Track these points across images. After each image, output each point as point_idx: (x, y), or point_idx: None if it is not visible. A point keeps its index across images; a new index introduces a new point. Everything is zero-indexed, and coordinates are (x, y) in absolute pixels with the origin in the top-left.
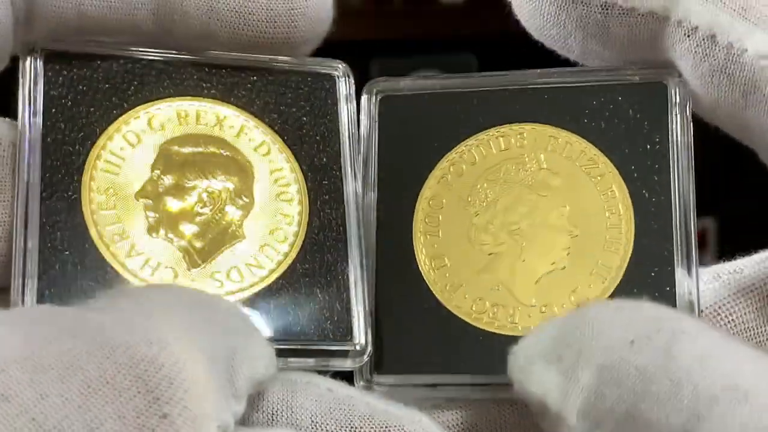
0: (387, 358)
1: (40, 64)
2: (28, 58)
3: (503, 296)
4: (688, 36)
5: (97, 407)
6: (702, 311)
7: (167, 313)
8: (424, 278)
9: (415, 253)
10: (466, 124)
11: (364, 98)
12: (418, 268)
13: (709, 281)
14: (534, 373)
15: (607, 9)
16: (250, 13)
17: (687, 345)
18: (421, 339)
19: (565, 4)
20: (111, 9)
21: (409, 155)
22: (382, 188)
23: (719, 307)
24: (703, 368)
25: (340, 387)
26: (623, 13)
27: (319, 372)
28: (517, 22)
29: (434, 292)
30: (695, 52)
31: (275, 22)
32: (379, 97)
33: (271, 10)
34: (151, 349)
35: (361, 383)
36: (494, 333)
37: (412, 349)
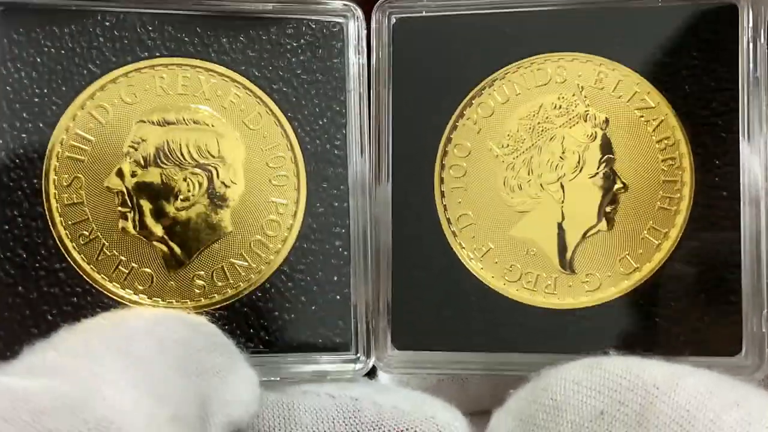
0: (408, 334)
1: None
2: None
3: (539, 262)
4: None
5: None
6: None
7: (120, 359)
8: (448, 240)
9: (437, 208)
10: (496, 54)
11: (374, 21)
12: (441, 227)
13: None
14: None
15: None
16: None
17: (662, 406)
18: (447, 310)
19: None
20: None
21: (428, 92)
22: (397, 131)
23: None
24: (682, 431)
25: (343, 390)
26: None
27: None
28: None
29: (460, 257)
30: None
31: None
32: (393, 21)
33: None
34: (90, 401)
35: (380, 364)
36: (529, 306)
37: (437, 323)
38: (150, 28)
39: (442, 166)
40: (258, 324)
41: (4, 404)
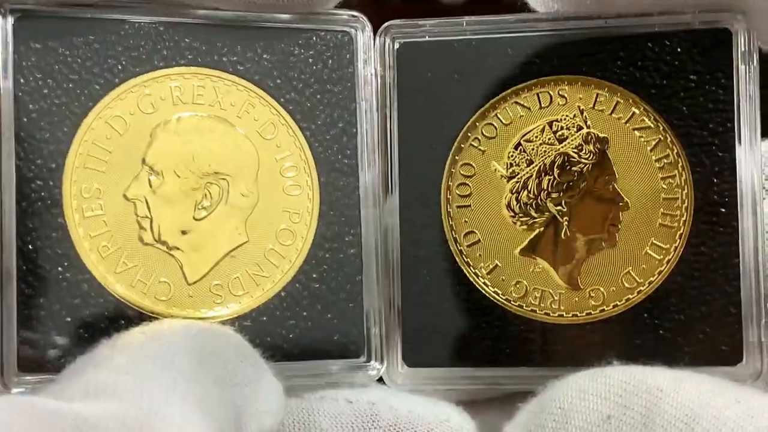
0: (417, 350)
1: (9, 26)
2: None
3: (545, 279)
4: None
5: None
6: None
7: (166, 373)
8: (454, 257)
9: (444, 227)
10: (499, 77)
11: (378, 44)
12: (448, 245)
13: None
14: None
15: None
16: None
17: (666, 406)
18: (454, 327)
19: None
20: None
21: (433, 113)
22: (403, 152)
23: None
24: (687, 428)
25: (360, 394)
26: None
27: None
28: None
29: (467, 274)
30: None
31: None
32: (397, 44)
33: None
34: (152, 422)
35: (391, 378)
36: (536, 321)
37: (445, 340)
38: (166, 38)
39: (448, 187)
40: (275, 332)
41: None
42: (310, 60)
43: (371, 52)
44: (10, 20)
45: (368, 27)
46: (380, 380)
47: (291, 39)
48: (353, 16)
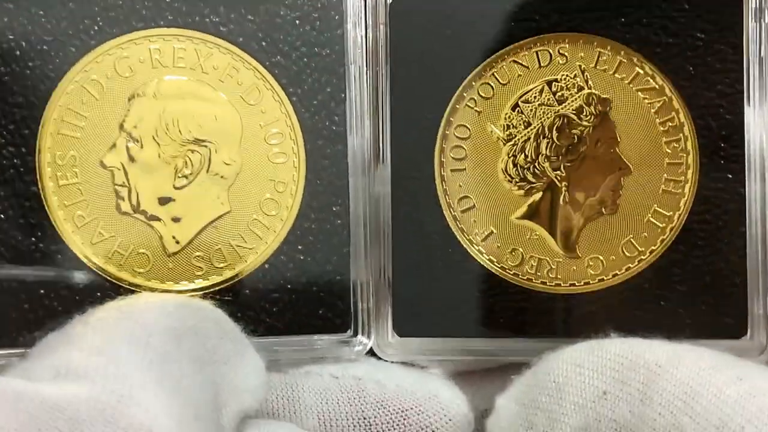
0: (409, 320)
1: None
2: None
3: (542, 246)
4: None
5: None
6: None
7: (141, 353)
8: (448, 224)
9: (437, 192)
10: (496, 33)
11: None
12: (441, 211)
13: None
14: None
15: None
16: None
17: (664, 383)
18: (447, 296)
19: None
20: None
21: (427, 73)
22: (396, 113)
23: None
24: (686, 407)
25: (346, 369)
26: None
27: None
28: None
29: (461, 241)
30: None
31: None
32: (389, 0)
33: None
34: (124, 408)
35: (380, 350)
36: (532, 290)
37: (437, 309)
38: None
39: (442, 149)
40: (258, 306)
41: (42, 415)
42: (297, 22)
43: (361, 14)
44: None
45: None
46: (372, 353)
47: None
48: None
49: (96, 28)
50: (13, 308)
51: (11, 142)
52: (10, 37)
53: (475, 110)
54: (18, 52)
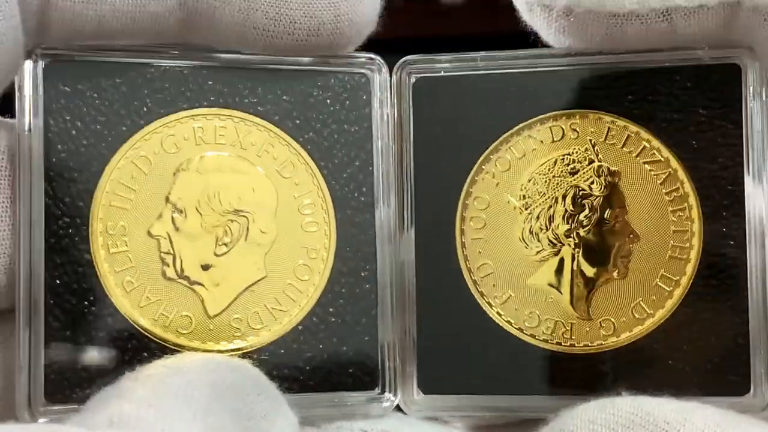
0: (433, 378)
1: (39, 70)
2: (27, 63)
3: (557, 309)
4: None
5: None
6: None
7: (186, 406)
8: (469, 288)
9: (458, 258)
10: (513, 111)
11: (394, 80)
12: (462, 275)
13: None
14: None
15: (669, 14)
16: (291, 22)
17: None
18: (469, 356)
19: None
20: (134, 21)
21: (448, 147)
22: (419, 184)
23: None
24: None
25: (374, 424)
26: (689, 13)
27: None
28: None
29: (481, 305)
30: None
31: (319, 30)
32: (413, 79)
33: (314, 17)
34: None
35: (407, 406)
36: (548, 350)
37: (460, 368)
38: (191, 81)
39: (463, 218)
40: (293, 365)
41: None
42: (328, 101)
43: (387, 93)
44: (41, 64)
45: (384, 69)
46: (398, 409)
47: (310, 81)
48: (370, 58)
49: (145, 109)
50: (69, 368)
51: (66, 213)
52: (67, 117)
53: (494, 182)
54: (74, 132)
